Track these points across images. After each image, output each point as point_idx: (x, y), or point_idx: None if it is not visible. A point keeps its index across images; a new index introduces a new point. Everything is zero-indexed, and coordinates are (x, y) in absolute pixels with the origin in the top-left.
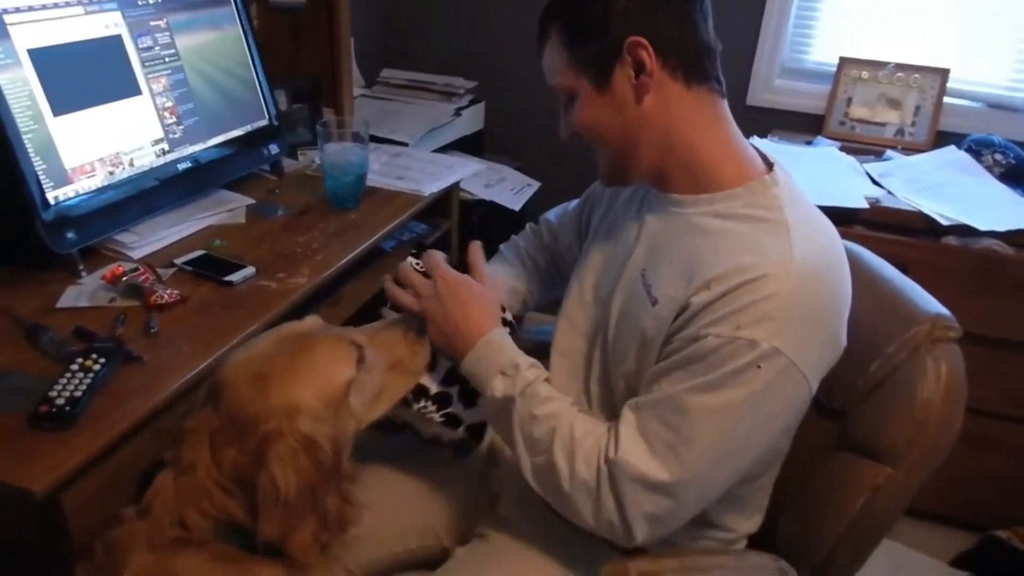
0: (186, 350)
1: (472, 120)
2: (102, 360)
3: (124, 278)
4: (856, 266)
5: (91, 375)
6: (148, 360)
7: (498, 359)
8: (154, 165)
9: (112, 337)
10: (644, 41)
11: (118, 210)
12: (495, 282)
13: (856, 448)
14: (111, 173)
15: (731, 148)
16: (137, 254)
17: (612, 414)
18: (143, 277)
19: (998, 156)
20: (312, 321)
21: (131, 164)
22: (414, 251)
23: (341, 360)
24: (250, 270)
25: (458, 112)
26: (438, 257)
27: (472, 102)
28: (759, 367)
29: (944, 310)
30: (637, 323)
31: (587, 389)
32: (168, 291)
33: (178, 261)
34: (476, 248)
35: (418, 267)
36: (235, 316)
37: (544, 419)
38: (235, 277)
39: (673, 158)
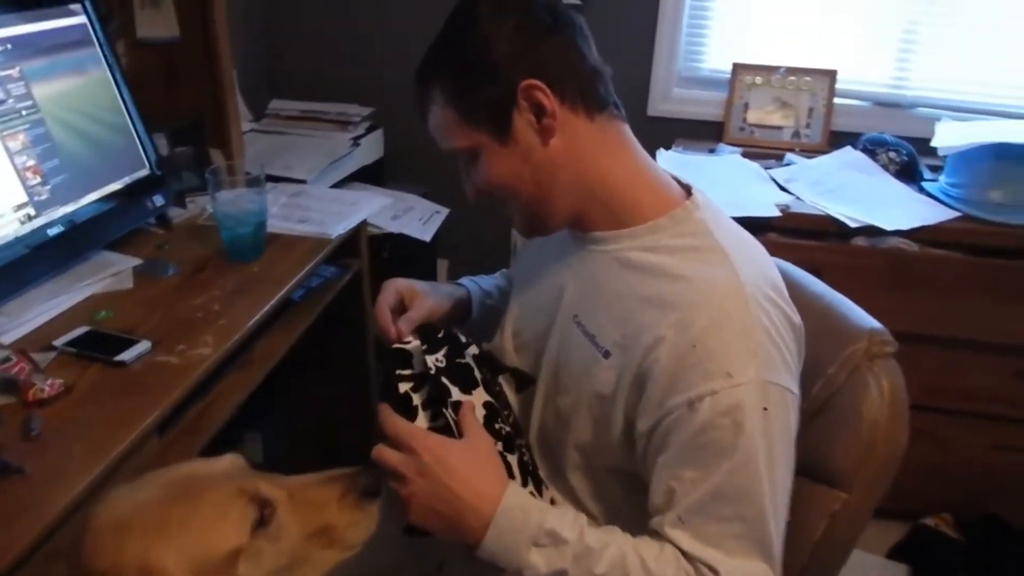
0: (77, 452)
1: (371, 149)
2: None
3: None
4: (787, 284)
5: None
6: (31, 471)
7: (525, 529)
8: (19, 234)
9: None
10: (537, 82)
11: None
12: (426, 296)
13: (809, 474)
14: None
15: (646, 176)
16: (8, 338)
17: (553, 465)
18: (17, 368)
19: (892, 154)
20: (228, 463)
21: None
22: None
23: (231, 521)
24: (144, 345)
25: (356, 141)
26: (405, 427)
27: (369, 129)
28: (766, 409)
29: (877, 324)
30: (586, 377)
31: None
32: (49, 381)
33: (58, 342)
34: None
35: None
36: (132, 403)
37: (611, 572)
38: (127, 355)
39: (589, 197)
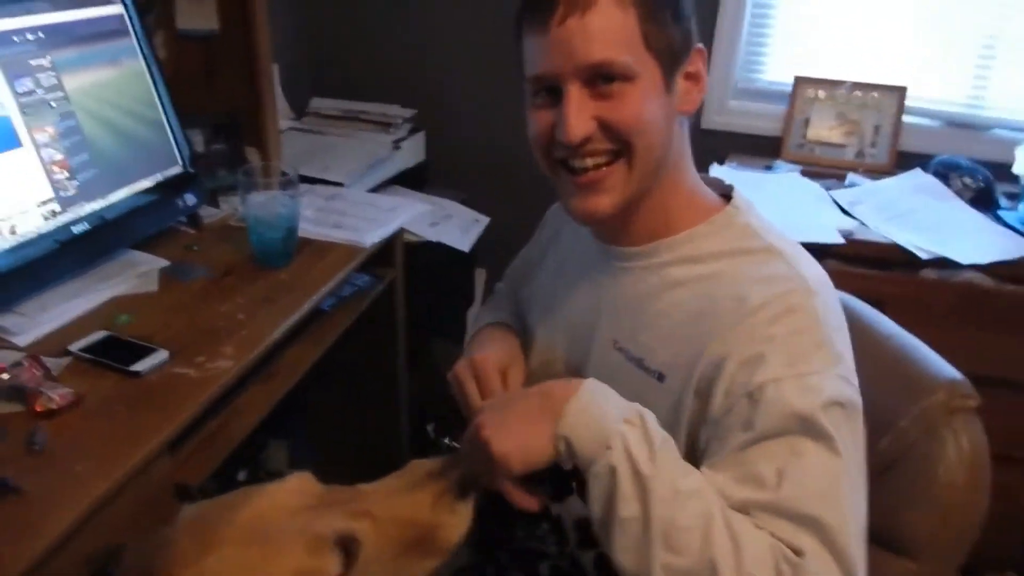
0: (80, 470)
1: (413, 152)
2: None
3: (3, 376)
4: (851, 321)
5: None
6: (29, 490)
7: (615, 403)
8: (43, 230)
9: None
10: (705, 51)
11: None
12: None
13: (873, 538)
14: None
15: (695, 182)
16: (23, 340)
17: None
18: (28, 375)
19: (967, 180)
20: (296, 488)
21: (12, 231)
22: None
23: None
24: (162, 355)
25: (397, 144)
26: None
27: (412, 132)
28: (842, 406)
29: (957, 373)
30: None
31: None
32: (59, 391)
33: (74, 347)
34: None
35: None
36: (144, 418)
37: (691, 497)
38: (143, 366)
39: (654, 192)
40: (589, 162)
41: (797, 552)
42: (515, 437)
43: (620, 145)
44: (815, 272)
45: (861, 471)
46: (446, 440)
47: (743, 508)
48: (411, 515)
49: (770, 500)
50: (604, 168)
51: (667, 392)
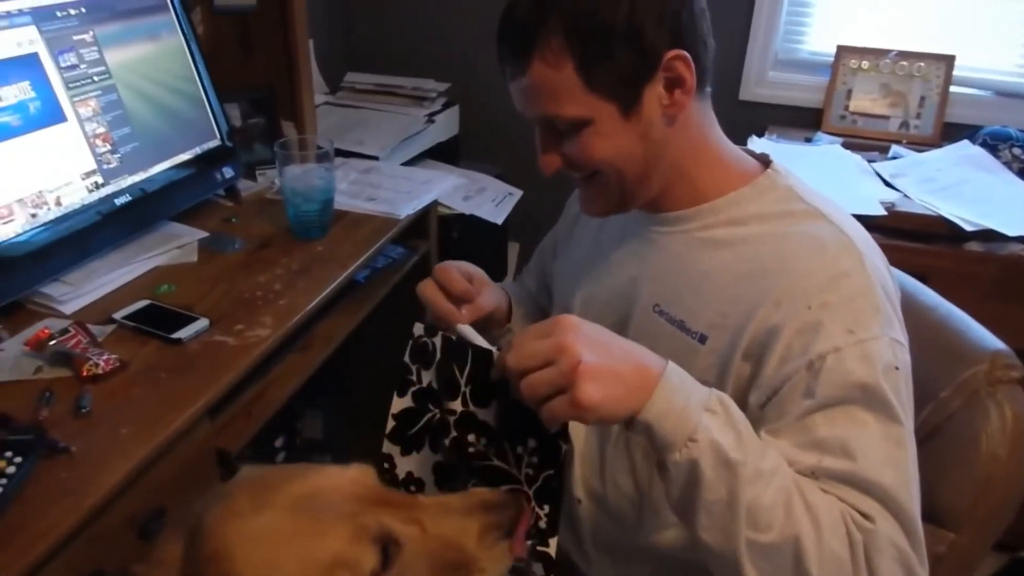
0: (125, 433)
1: (446, 126)
2: (18, 459)
3: (51, 343)
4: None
5: (4, 480)
6: (77, 451)
7: (696, 389)
8: (86, 202)
9: (32, 426)
10: (684, 53)
11: (44, 258)
12: (492, 288)
13: None
14: (33, 216)
15: (727, 150)
16: (69, 308)
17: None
18: (74, 341)
19: (1016, 151)
20: (355, 477)
21: (58, 203)
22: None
23: (343, 564)
24: (202, 323)
25: (431, 118)
26: (539, 322)
27: (445, 106)
28: (897, 368)
29: (1002, 345)
30: (683, 368)
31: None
32: (104, 357)
33: (118, 315)
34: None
35: (424, 338)
36: (184, 383)
37: (772, 476)
38: (184, 333)
39: (681, 174)
40: (576, 175)
41: (865, 516)
42: (607, 393)
43: (591, 171)
44: (861, 234)
45: (912, 429)
46: (433, 339)
47: (810, 475)
48: (456, 539)
49: (838, 469)
50: (587, 181)
51: (710, 353)
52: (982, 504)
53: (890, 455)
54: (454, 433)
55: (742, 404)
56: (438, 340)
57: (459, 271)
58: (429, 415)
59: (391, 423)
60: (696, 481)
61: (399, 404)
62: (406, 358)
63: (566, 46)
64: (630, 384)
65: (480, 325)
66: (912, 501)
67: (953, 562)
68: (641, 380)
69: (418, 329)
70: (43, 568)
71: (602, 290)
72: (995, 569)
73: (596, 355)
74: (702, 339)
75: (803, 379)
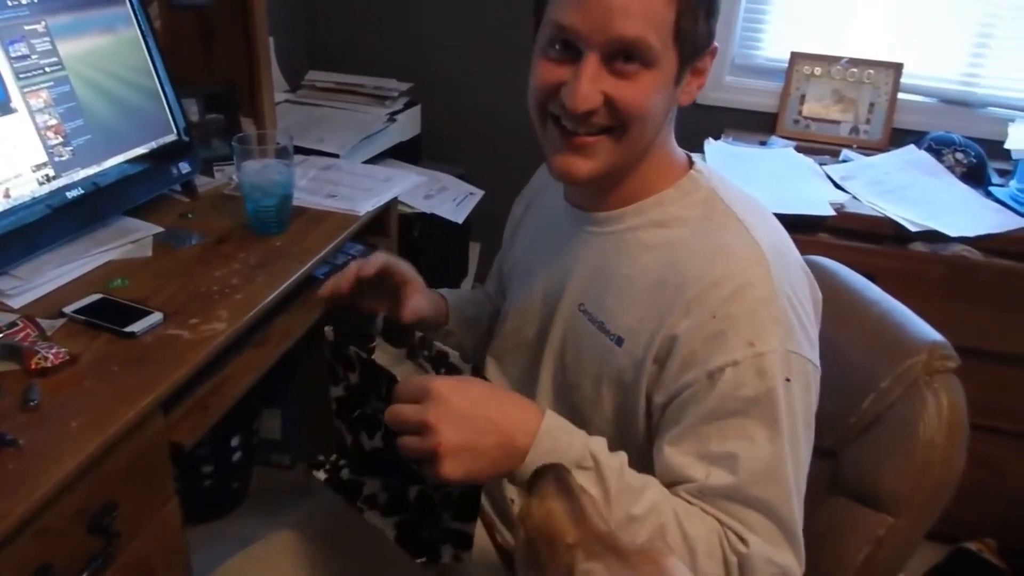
0: (75, 426)
1: (408, 125)
2: None
3: None
4: (837, 288)
5: None
6: (25, 444)
7: (570, 449)
8: (36, 195)
9: None
10: (717, 48)
11: None
12: (424, 293)
13: (852, 494)
14: None
15: (673, 149)
16: (18, 302)
17: None
18: (22, 335)
19: (959, 155)
20: None
21: (7, 195)
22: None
23: None
24: (156, 317)
25: (392, 117)
26: (415, 380)
27: (407, 105)
28: (788, 380)
29: (939, 336)
30: (604, 367)
31: None
32: (53, 350)
33: (68, 309)
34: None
35: (360, 354)
36: (137, 377)
37: (646, 517)
38: (137, 327)
39: (637, 164)
40: (581, 129)
41: (747, 530)
42: (468, 468)
43: (618, 124)
44: (774, 240)
45: (809, 429)
46: (353, 348)
47: (699, 493)
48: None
49: (723, 485)
50: (594, 136)
51: (625, 355)
52: (919, 489)
53: (773, 469)
54: (384, 429)
55: (650, 401)
56: (352, 353)
57: (392, 268)
58: (360, 409)
59: (333, 405)
60: None
61: (335, 392)
62: (327, 354)
63: None
64: (494, 457)
65: (421, 327)
66: (793, 511)
67: (892, 545)
68: (505, 452)
69: (329, 334)
70: None
71: (537, 288)
72: (939, 559)
73: (458, 432)
74: (619, 342)
75: (703, 388)
